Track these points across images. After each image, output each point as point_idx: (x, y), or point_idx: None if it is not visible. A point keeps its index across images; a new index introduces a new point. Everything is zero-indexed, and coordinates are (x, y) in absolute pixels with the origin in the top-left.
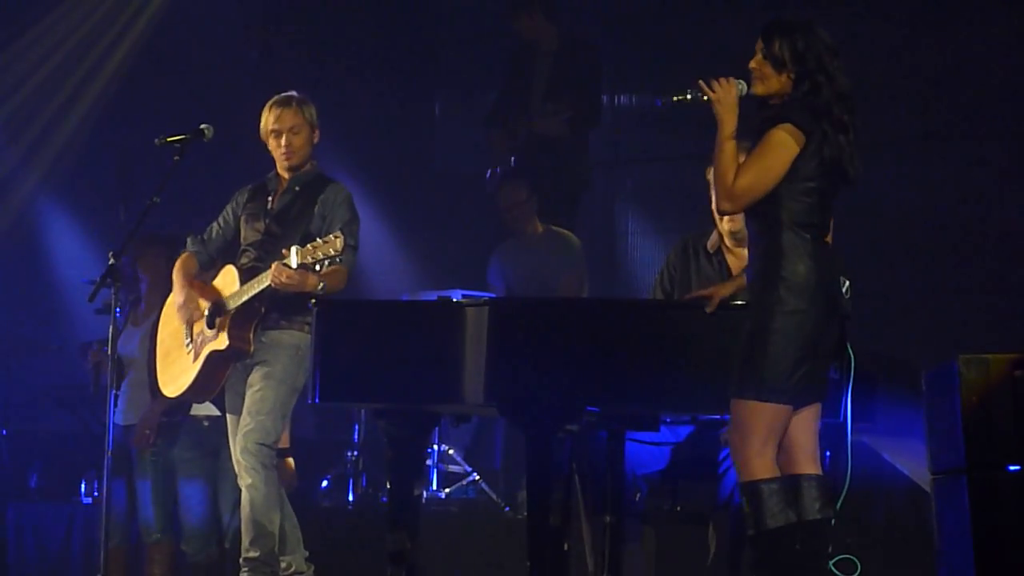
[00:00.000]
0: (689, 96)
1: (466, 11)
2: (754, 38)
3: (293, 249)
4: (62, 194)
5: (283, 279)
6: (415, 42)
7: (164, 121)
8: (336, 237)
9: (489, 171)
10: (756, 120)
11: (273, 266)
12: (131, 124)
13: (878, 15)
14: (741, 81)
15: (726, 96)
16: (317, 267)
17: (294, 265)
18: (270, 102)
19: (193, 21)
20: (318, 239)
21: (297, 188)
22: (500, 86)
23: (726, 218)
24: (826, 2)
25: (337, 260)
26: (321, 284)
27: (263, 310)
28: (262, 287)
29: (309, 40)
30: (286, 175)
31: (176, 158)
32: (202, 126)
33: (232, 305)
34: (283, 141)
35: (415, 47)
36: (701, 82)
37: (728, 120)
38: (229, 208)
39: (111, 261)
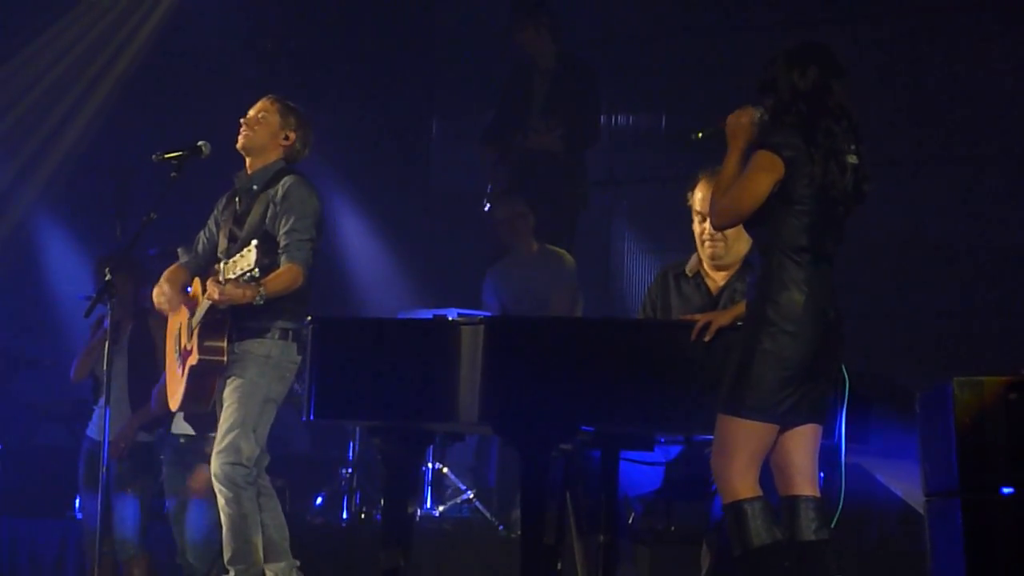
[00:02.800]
0: (719, 128)
1: (464, 31)
2: (749, 59)
3: (221, 264)
4: (59, 209)
5: (215, 296)
6: (413, 62)
7: (161, 137)
8: (249, 251)
9: (489, 186)
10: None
11: (207, 284)
12: (128, 140)
13: (873, 37)
14: (761, 110)
15: (736, 120)
16: (240, 280)
17: (221, 280)
18: None
19: (192, 39)
20: (237, 254)
21: (255, 187)
22: (498, 104)
23: (707, 243)
24: (821, 25)
25: (256, 273)
26: (259, 292)
27: (228, 320)
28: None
29: (307, 58)
30: (249, 164)
31: (173, 174)
32: (199, 143)
33: (196, 320)
34: (245, 120)
35: (413, 67)
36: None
37: (733, 145)
38: (212, 216)
39: (107, 277)
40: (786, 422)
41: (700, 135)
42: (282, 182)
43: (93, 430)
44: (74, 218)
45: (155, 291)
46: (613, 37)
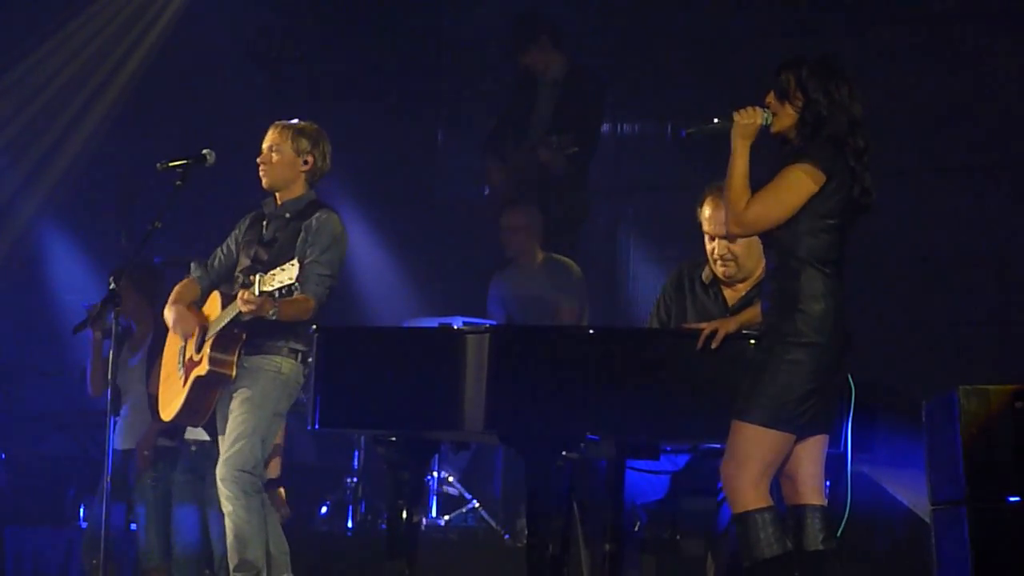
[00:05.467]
0: (716, 122)
1: (470, 41)
2: (756, 66)
3: (257, 276)
4: (63, 218)
5: (246, 307)
6: (418, 68)
7: (166, 146)
8: (292, 265)
9: (487, 189)
10: (779, 156)
11: (239, 293)
12: (133, 148)
13: (885, 47)
14: (768, 112)
15: (747, 122)
16: (276, 294)
17: (256, 292)
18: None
19: (197, 47)
20: (277, 267)
21: (288, 215)
22: (502, 112)
23: (719, 262)
24: (828, 34)
25: (294, 288)
26: (273, 310)
27: (243, 336)
28: (234, 313)
29: (313, 68)
30: (278, 199)
31: (178, 183)
32: (204, 151)
33: (212, 331)
34: (260, 159)
35: (418, 73)
36: (735, 112)
37: (741, 145)
38: (232, 236)
39: (111, 286)
40: (804, 433)
41: (698, 131)
42: (317, 215)
43: (118, 441)
44: (79, 226)
45: (167, 312)
46: (618, 45)
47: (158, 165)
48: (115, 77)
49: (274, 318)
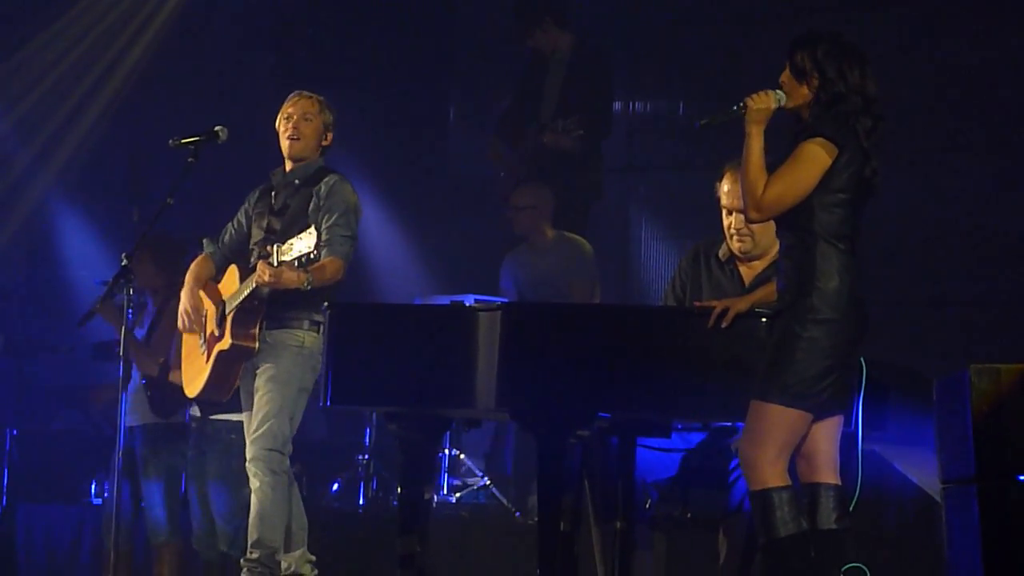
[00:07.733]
0: (729, 110)
1: (481, 15)
2: (768, 45)
3: (275, 247)
4: (75, 195)
5: (265, 277)
6: (430, 45)
7: (178, 123)
8: (309, 233)
9: (502, 173)
10: (790, 133)
11: (258, 265)
12: (145, 125)
13: (894, 25)
14: (780, 93)
15: (760, 107)
16: (296, 263)
17: (275, 263)
18: (293, 94)
19: (208, 23)
20: (294, 237)
21: (297, 182)
22: (513, 94)
23: (735, 237)
24: (841, 12)
25: (313, 255)
26: (307, 278)
27: (263, 308)
28: (253, 286)
29: (324, 42)
30: (289, 165)
31: (190, 160)
32: (216, 128)
33: (231, 305)
34: (291, 124)
35: (430, 50)
36: (748, 98)
37: (755, 130)
38: (242, 209)
39: (123, 262)
40: (822, 413)
41: (711, 121)
42: (326, 180)
43: (129, 418)
44: (90, 204)
45: (183, 295)
46: (631, 23)
47: (170, 142)
48: (127, 54)
49: (309, 288)
